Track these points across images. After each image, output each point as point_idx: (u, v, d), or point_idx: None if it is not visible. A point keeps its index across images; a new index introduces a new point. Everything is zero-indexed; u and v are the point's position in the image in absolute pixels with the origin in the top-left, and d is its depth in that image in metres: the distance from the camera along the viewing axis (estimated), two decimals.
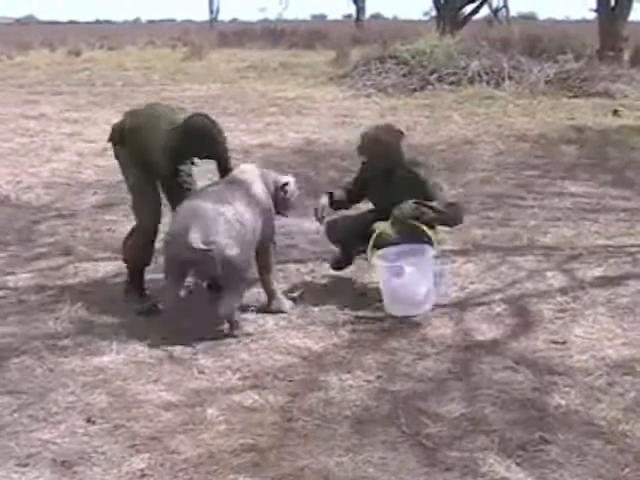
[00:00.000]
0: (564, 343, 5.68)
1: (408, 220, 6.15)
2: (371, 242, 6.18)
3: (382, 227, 6.26)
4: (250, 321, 6.10)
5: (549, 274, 7.02)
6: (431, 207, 6.18)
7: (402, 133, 6.64)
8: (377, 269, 6.26)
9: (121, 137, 6.46)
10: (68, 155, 12.75)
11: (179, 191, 6.46)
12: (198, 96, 19.69)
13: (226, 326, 5.90)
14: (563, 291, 6.61)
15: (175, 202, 6.32)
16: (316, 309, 6.36)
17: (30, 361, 5.52)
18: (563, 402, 4.84)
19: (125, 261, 6.63)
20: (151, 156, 6.24)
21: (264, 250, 6.21)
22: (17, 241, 8.34)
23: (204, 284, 6.57)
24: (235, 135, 13.68)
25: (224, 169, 6.44)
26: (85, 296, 6.66)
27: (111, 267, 7.30)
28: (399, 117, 16.10)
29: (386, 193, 6.48)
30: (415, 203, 6.15)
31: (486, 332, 5.89)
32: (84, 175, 11.32)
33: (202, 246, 5.55)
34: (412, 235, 6.19)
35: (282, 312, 6.27)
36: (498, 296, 6.56)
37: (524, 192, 10.03)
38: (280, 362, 5.46)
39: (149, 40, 42.38)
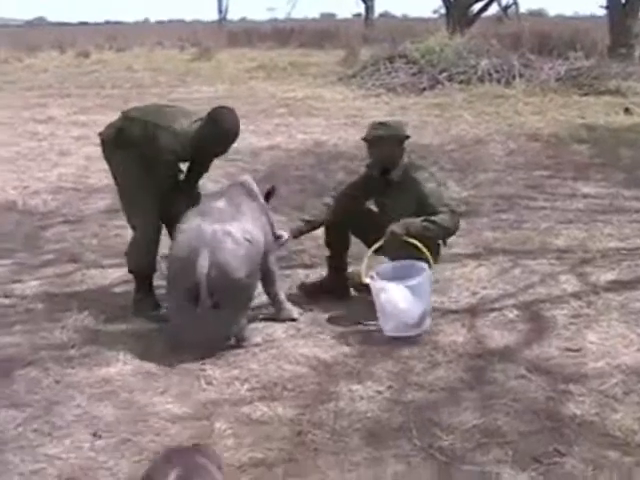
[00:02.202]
0: (578, 350, 5.58)
1: (402, 237, 5.99)
2: (365, 260, 6.05)
3: (375, 246, 6.11)
4: (258, 330, 6.03)
5: (562, 278, 6.91)
6: (427, 220, 6.05)
7: (407, 136, 6.46)
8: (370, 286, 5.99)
9: (123, 137, 6.31)
10: (75, 159, 12.67)
11: (179, 199, 6.30)
12: (207, 97, 19.57)
13: (234, 339, 5.81)
14: (576, 296, 6.51)
15: (174, 211, 6.14)
16: (325, 316, 6.27)
17: (36, 372, 5.45)
18: (578, 412, 4.74)
19: (130, 271, 6.53)
20: (163, 153, 6.13)
21: (267, 259, 6.06)
22: (24, 248, 8.26)
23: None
24: (243, 137, 13.52)
25: (203, 172, 6.50)
26: (92, 304, 6.58)
27: (119, 274, 7.21)
28: (409, 117, 16.00)
29: (382, 194, 6.42)
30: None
31: (499, 339, 5.79)
32: (92, 180, 11.24)
33: (209, 272, 5.45)
34: (407, 253, 6.04)
35: (291, 320, 6.18)
36: (511, 301, 6.46)
37: (535, 193, 9.93)
38: (289, 372, 5.37)
39: (157, 41, 42.29)
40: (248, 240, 5.63)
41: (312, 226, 6.53)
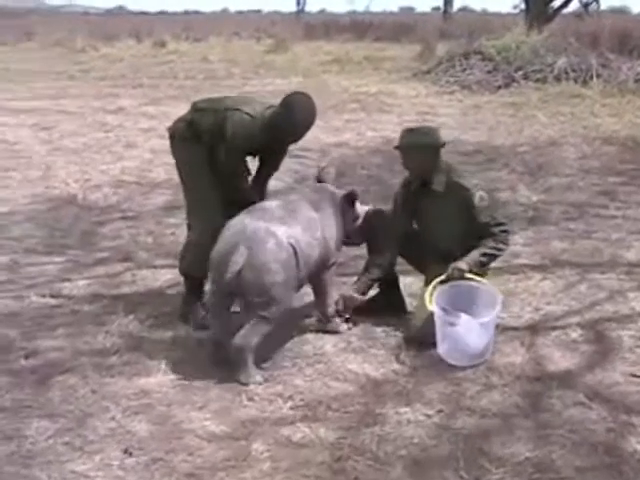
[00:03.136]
0: None
1: (465, 275, 5.71)
2: (429, 289, 5.62)
3: (437, 279, 5.73)
4: (308, 342, 5.78)
5: (631, 295, 6.56)
6: (484, 254, 5.80)
7: (443, 143, 6.03)
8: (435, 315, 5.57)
9: (192, 130, 6.06)
10: (141, 152, 12.58)
11: (243, 199, 5.92)
12: (279, 90, 19.23)
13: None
14: None
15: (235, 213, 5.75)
16: (379, 330, 6.00)
17: (74, 380, 5.29)
18: (639, 447, 4.41)
19: (182, 274, 6.29)
20: (235, 138, 5.82)
21: (322, 272, 5.80)
22: (78, 244, 8.15)
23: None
24: (312, 132, 13.31)
25: (272, 170, 6.21)
26: (140, 307, 6.41)
27: (170, 275, 7.03)
28: (482, 115, 15.69)
29: (423, 206, 6.06)
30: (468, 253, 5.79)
31: (559, 361, 5.47)
32: (154, 174, 11.12)
33: (243, 271, 5.13)
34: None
35: (337, 332, 5.94)
36: (575, 319, 6.12)
37: (607, 200, 9.51)
38: (335, 390, 5.12)
39: (234, 31, 42.26)
40: (292, 246, 5.30)
41: (376, 280, 6.22)
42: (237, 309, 5.51)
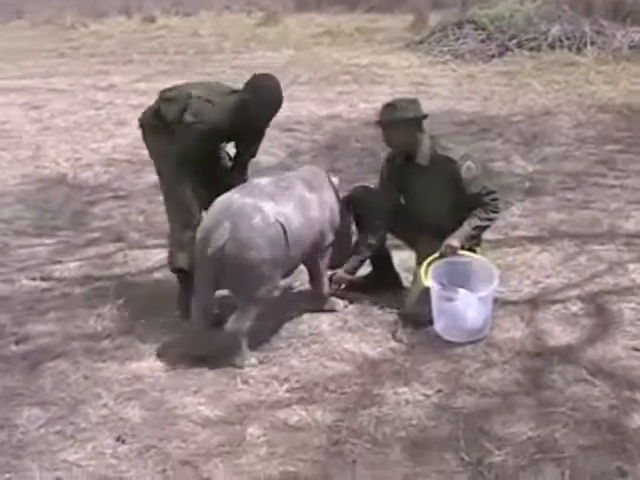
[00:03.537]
0: None
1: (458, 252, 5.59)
2: (423, 266, 5.49)
3: (432, 258, 5.58)
4: (303, 321, 5.68)
5: (631, 267, 6.43)
6: (475, 227, 5.67)
7: (425, 116, 5.83)
8: (431, 290, 5.45)
9: (159, 118, 5.83)
10: (132, 129, 12.25)
11: (217, 187, 5.63)
12: (270, 63, 19.18)
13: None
14: None
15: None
16: (375, 307, 5.88)
17: (65, 365, 5.21)
18: None
19: (173, 271, 6.01)
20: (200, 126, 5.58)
21: (316, 255, 5.67)
22: (69, 225, 8.06)
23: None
24: (304, 105, 13.24)
25: (250, 155, 6.01)
26: (131, 289, 6.32)
27: (163, 255, 6.84)
28: (476, 85, 15.49)
29: (410, 182, 5.88)
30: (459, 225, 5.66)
31: (560, 336, 5.37)
32: (145, 151, 10.85)
33: (226, 246, 4.94)
34: None
35: (334, 311, 5.82)
36: (574, 292, 6.01)
37: (605, 169, 9.33)
38: (332, 370, 5.02)
39: (225, 5, 41.90)
40: (281, 223, 5.10)
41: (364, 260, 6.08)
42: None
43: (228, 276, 5.07)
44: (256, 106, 5.60)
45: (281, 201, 5.22)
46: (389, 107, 5.80)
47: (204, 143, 5.71)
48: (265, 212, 5.06)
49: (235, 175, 5.99)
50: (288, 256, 5.20)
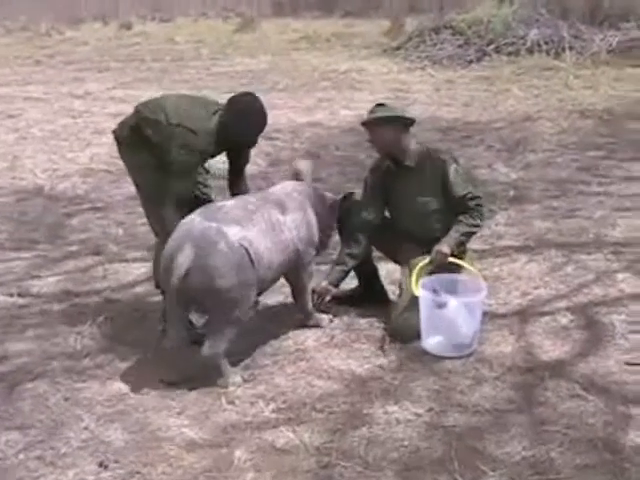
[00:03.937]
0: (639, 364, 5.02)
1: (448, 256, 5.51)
2: (413, 275, 5.40)
3: (420, 263, 5.51)
4: (288, 337, 5.55)
5: (619, 276, 6.34)
6: (463, 233, 5.62)
7: (413, 119, 5.80)
8: (420, 300, 5.33)
9: (138, 136, 5.62)
10: (110, 138, 12.09)
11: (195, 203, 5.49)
12: (248, 70, 19.09)
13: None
14: (636, 297, 5.95)
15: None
16: (362, 321, 5.77)
17: (45, 387, 5.05)
18: None
19: (157, 287, 5.84)
20: (183, 154, 5.40)
21: (298, 273, 5.56)
22: (46, 238, 7.88)
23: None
24: (283, 113, 13.10)
25: (243, 164, 5.85)
26: (111, 306, 6.18)
27: (143, 269, 6.78)
28: (455, 91, 15.39)
29: (396, 186, 5.79)
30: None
31: (550, 350, 5.26)
32: None
33: (190, 274, 4.77)
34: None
35: (319, 326, 5.70)
36: (564, 304, 5.92)
37: (589, 176, 9.23)
38: (319, 389, 4.89)
39: (202, 12, 41.74)
40: (245, 248, 4.91)
41: (348, 271, 5.94)
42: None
43: (198, 302, 4.96)
44: (240, 131, 5.47)
45: (247, 225, 5.03)
46: (377, 107, 5.77)
47: (197, 168, 5.67)
48: (229, 237, 4.89)
49: (234, 181, 5.91)
50: (259, 277, 5.04)
